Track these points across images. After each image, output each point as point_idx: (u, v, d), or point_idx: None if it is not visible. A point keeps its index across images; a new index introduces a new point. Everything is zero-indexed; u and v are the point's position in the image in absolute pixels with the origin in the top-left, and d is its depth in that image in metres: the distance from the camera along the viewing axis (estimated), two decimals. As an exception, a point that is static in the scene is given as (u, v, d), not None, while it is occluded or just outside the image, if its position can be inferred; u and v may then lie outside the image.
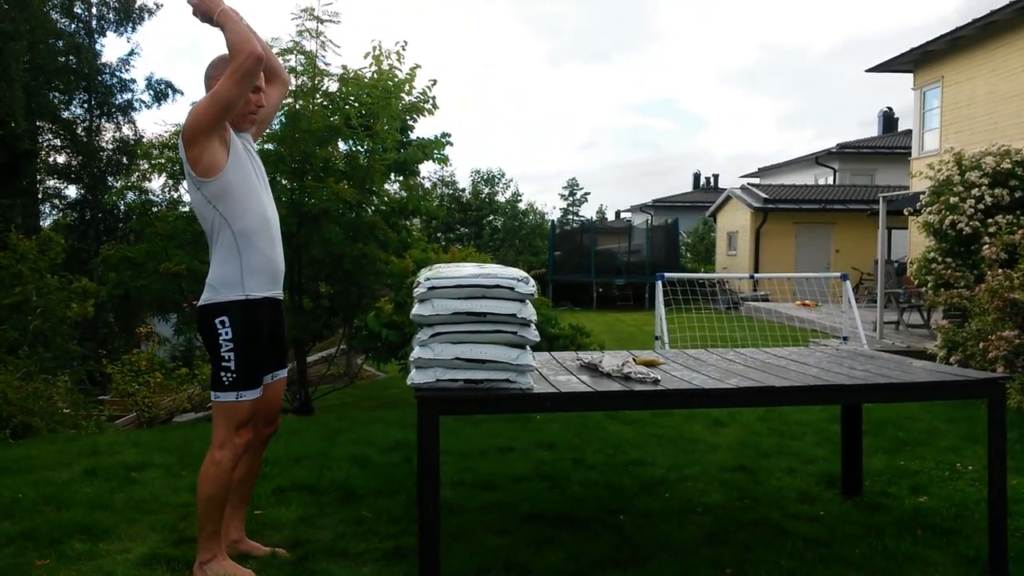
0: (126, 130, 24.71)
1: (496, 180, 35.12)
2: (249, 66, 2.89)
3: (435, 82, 9.06)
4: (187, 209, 8.13)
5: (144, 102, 25.46)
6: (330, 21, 7.71)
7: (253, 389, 3.05)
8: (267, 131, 8.02)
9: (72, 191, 25.01)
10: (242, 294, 3.03)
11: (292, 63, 7.73)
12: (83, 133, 24.28)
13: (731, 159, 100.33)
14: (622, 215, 44.60)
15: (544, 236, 29.66)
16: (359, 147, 8.28)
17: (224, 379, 3.01)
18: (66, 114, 24.19)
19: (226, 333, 2.99)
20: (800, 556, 3.34)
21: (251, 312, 3.04)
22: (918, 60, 16.22)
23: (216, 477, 2.99)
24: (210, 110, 2.90)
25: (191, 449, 5.10)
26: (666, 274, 9.05)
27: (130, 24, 24.72)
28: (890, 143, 27.62)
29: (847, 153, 27.37)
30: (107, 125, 24.80)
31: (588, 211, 46.74)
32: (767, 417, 6.07)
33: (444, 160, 9.43)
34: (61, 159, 24.58)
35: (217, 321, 3.00)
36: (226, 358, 3.00)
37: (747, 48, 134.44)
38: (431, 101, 9.00)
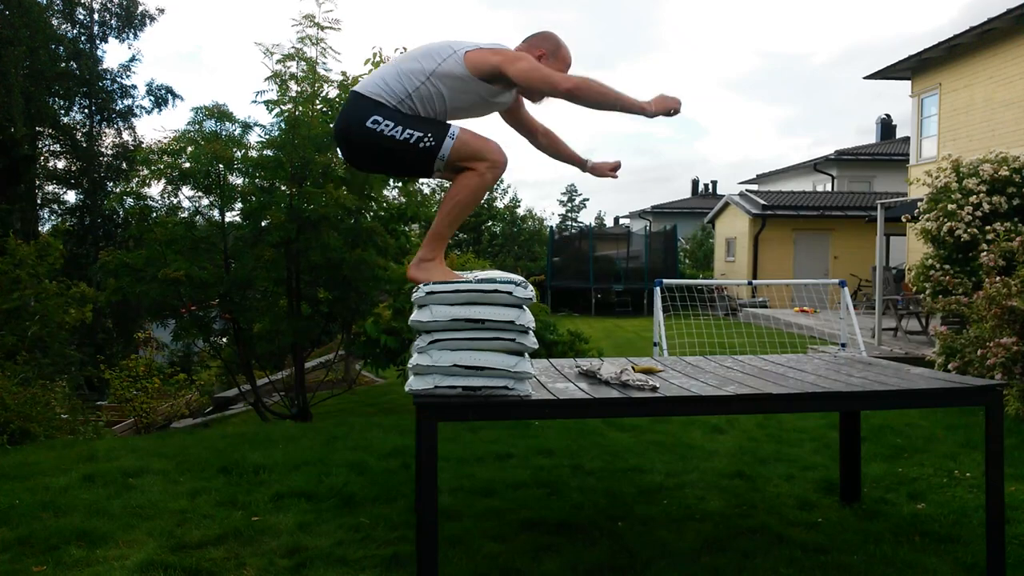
0: (126, 136, 24.72)
1: (494, 186, 35.15)
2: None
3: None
4: (186, 215, 8.13)
5: (144, 108, 25.45)
6: (331, 28, 7.74)
7: (452, 127, 2.98)
8: (266, 137, 8.07)
9: (71, 196, 24.97)
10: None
11: (293, 69, 7.75)
12: (83, 138, 24.27)
13: (730, 166, 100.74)
14: (621, 221, 44.64)
15: (543, 242, 29.64)
16: (358, 153, 8.27)
17: (427, 144, 2.92)
18: (66, 119, 24.16)
19: (388, 126, 2.92)
20: (799, 563, 3.34)
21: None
22: (916, 67, 16.26)
23: (477, 189, 2.97)
24: (528, 77, 2.98)
25: (189, 455, 5.09)
26: (664, 280, 9.03)
27: (131, 30, 24.74)
28: (888, 150, 27.68)
29: (845, 160, 27.44)
30: (107, 131, 24.76)
31: (587, 217, 46.72)
32: (765, 424, 6.07)
33: (443, 166, 9.42)
34: (60, 164, 24.55)
35: (369, 122, 2.93)
36: (409, 137, 2.92)
37: (746, 56, 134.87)
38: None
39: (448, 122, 3.00)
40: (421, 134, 2.93)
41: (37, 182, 23.09)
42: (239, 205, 8.02)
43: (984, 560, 3.19)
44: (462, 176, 2.99)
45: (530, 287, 2.86)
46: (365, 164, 3.16)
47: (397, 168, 3.11)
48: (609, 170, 3.37)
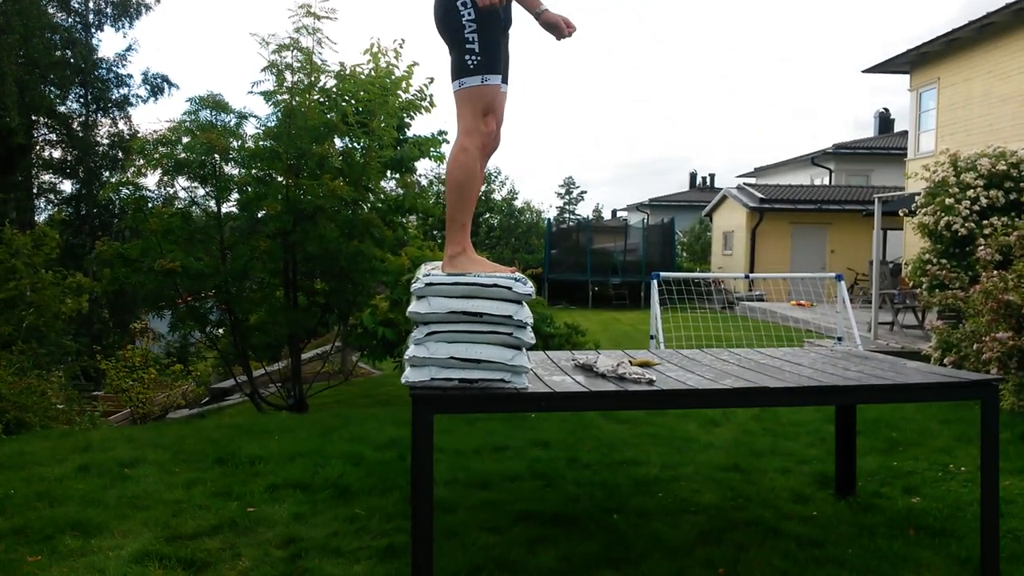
0: (121, 125, 24.63)
1: (492, 178, 35.09)
2: None
3: (432, 80, 9.06)
4: (182, 205, 8.11)
5: (140, 97, 25.35)
6: (327, 18, 7.70)
7: (496, 74, 2.98)
8: (263, 127, 8.04)
9: (67, 186, 24.92)
10: None
11: (289, 59, 7.71)
12: (79, 128, 24.18)
13: (728, 159, 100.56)
14: (618, 214, 44.63)
15: (540, 234, 29.63)
16: (355, 144, 8.26)
17: (469, 63, 2.94)
18: (62, 108, 24.06)
19: (469, 14, 2.93)
20: (793, 556, 3.35)
21: None
22: (915, 61, 16.23)
23: (465, 163, 2.96)
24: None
25: (185, 445, 5.09)
26: (662, 273, 9.02)
27: (127, 19, 24.63)
28: (886, 144, 27.64)
29: (843, 154, 27.40)
30: (103, 120, 24.69)
31: (584, 210, 46.77)
32: (761, 417, 6.08)
33: (440, 158, 9.41)
34: (56, 154, 24.49)
35: (459, 2, 2.94)
36: (470, 39, 2.93)
37: (745, 48, 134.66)
38: (428, 99, 8.99)
39: (491, 78, 2.96)
40: (477, 48, 2.93)
41: (33, 171, 23.02)
42: (235, 196, 7.99)
43: (978, 554, 3.20)
44: (451, 156, 2.99)
45: (529, 283, 2.85)
46: (436, 26, 3.10)
47: (447, 43, 3.06)
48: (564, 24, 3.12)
